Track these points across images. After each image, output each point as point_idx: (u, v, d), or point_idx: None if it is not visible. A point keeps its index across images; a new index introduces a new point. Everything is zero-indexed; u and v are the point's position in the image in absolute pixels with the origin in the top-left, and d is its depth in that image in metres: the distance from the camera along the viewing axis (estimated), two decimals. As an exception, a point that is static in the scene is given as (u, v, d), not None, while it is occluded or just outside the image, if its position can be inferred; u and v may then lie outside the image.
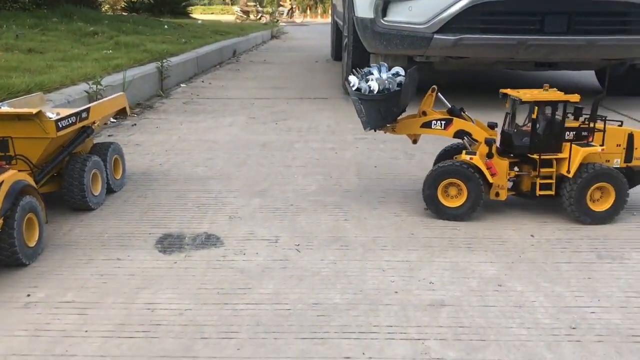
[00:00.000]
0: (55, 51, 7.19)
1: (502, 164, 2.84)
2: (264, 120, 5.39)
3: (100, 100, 3.22)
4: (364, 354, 1.79)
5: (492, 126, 2.98)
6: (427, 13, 5.48)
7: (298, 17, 39.07)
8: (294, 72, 9.18)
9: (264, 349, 1.82)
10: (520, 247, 2.56)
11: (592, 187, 2.75)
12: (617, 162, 2.87)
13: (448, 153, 3.15)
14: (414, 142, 3.15)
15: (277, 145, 4.40)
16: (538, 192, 2.83)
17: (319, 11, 47.58)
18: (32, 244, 2.39)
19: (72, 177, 2.87)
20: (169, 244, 2.59)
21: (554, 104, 2.78)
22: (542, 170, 2.81)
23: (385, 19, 5.72)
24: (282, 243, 2.59)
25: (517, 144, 2.85)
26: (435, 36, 5.44)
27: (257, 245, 2.58)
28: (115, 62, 6.40)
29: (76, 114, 2.86)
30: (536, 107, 2.77)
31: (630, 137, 2.86)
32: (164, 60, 6.90)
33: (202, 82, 8.04)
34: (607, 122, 2.84)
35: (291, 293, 2.15)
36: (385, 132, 3.00)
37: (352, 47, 6.35)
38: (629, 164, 2.89)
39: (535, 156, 2.80)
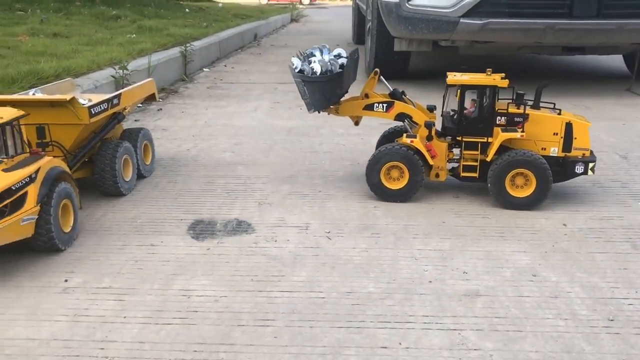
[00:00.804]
0: (80, 35, 7.22)
1: (441, 146, 2.89)
2: (289, 105, 5.38)
3: (130, 87, 3.23)
4: (400, 344, 1.80)
5: (431, 109, 3.03)
6: (453, -3, 5.40)
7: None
8: (316, 56, 9.11)
9: (300, 337, 1.83)
10: (553, 237, 2.53)
11: (512, 173, 2.75)
12: (555, 150, 2.83)
13: (391, 136, 3.18)
14: (356, 123, 3.16)
15: (303, 130, 4.39)
16: (461, 174, 2.90)
17: (338, -7, 47.17)
18: (68, 229, 2.43)
19: (104, 163, 2.90)
20: (201, 230, 2.61)
21: (480, 88, 2.78)
22: (467, 152, 2.86)
23: (410, 3, 5.65)
24: (312, 230, 2.60)
25: (448, 126, 2.90)
26: (462, 20, 5.36)
27: (287, 232, 2.58)
28: (140, 47, 6.41)
29: (108, 100, 2.88)
30: (459, 91, 2.81)
31: (569, 126, 2.80)
32: (188, 45, 6.90)
33: (225, 66, 8.03)
34: (543, 108, 2.84)
35: (324, 281, 2.16)
36: (328, 114, 3.01)
37: (376, 31, 6.29)
38: (567, 154, 2.83)
39: (460, 138, 2.85)
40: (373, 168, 2.87)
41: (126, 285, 2.13)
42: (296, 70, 2.83)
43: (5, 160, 2.21)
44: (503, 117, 2.79)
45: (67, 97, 2.60)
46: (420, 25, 5.62)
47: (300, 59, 2.88)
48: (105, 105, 2.84)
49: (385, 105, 2.93)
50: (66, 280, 2.17)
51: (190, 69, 7.06)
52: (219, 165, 3.52)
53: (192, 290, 2.10)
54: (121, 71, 4.93)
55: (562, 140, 2.81)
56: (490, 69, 2.86)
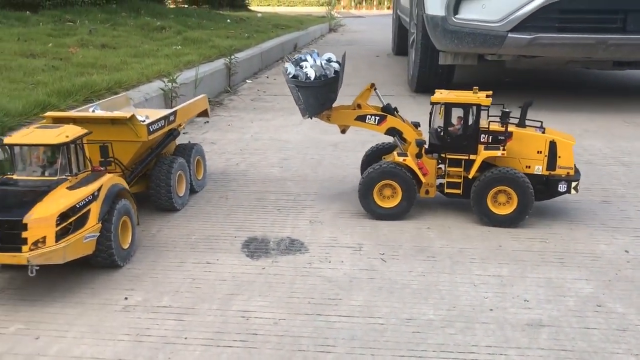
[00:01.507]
0: (127, 47, 7.37)
1: (430, 163, 2.90)
2: (333, 118, 5.37)
3: (185, 103, 3.27)
4: (464, 375, 1.76)
5: (416, 125, 3.04)
6: (501, 11, 5.33)
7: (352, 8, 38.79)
8: (357, 67, 9.11)
9: (361, 364, 1.81)
10: (615, 264, 2.46)
11: (494, 190, 2.75)
12: (539, 168, 2.82)
13: (374, 154, 3.21)
14: (343, 132, 3.14)
15: (349, 145, 4.38)
16: (446, 191, 2.88)
17: (375, 2, 47.21)
18: (126, 246, 2.46)
19: (160, 178, 2.94)
20: (255, 248, 2.62)
21: (464, 106, 2.79)
22: (451, 169, 2.85)
23: (456, 16, 5.60)
24: (366, 251, 2.58)
25: (434, 143, 2.91)
26: (510, 35, 5.29)
27: (341, 252, 2.57)
28: (186, 59, 6.51)
29: (165, 118, 2.92)
30: (442, 108, 2.83)
31: (553, 144, 2.80)
32: (232, 57, 6.98)
33: (267, 77, 8.09)
34: (527, 126, 2.86)
35: (383, 306, 2.13)
36: (321, 119, 2.99)
37: (421, 44, 6.26)
38: (552, 172, 2.82)
39: (445, 155, 2.88)
40: (366, 187, 2.89)
41: (185, 305, 2.15)
42: (290, 76, 2.82)
43: (69, 178, 2.26)
44: (487, 135, 2.81)
45: (127, 114, 2.65)
46: (467, 39, 5.57)
47: (292, 64, 2.88)
48: (162, 123, 2.89)
49: (377, 118, 2.95)
50: (126, 298, 2.19)
51: (234, 81, 7.14)
52: (268, 181, 3.54)
53: (251, 312, 2.10)
54: (170, 84, 5.01)
55: (546, 159, 2.82)
56: (477, 87, 2.89)
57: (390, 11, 13.28)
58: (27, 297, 2.21)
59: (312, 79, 2.77)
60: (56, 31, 8.34)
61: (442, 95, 2.87)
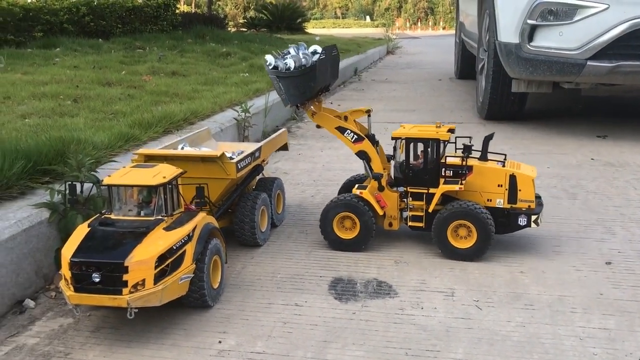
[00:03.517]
0: (196, 74, 7.53)
1: (392, 196, 2.96)
2: (403, 148, 5.31)
3: (268, 139, 3.28)
4: None
5: (389, 158, 3.13)
6: (580, 38, 5.16)
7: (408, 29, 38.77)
8: (420, 92, 9.05)
9: None
10: None
11: (453, 224, 2.79)
12: (500, 202, 2.84)
13: (350, 184, 3.28)
14: (318, 126, 3.14)
15: (424, 178, 4.29)
16: (409, 223, 2.95)
17: (430, 23, 47.07)
18: (216, 285, 2.46)
19: (244, 214, 2.94)
20: (342, 290, 2.57)
21: (424, 141, 2.85)
22: (413, 203, 2.93)
23: (531, 44, 5.46)
24: (459, 297, 2.49)
25: (397, 176, 2.98)
26: (589, 63, 5.12)
27: (432, 298, 2.49)
28: (255, 87, 6.59)
29: (251, 154, 2.93)
30: (401, 142, 2.92)
31: (512, 178, 2.82)
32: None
33: (331, 103, 8.10)
34: (489, 159, 2.91)
35: None
36: (306, 112, 3.03)
37: (492, 71, 6.13)
38: (513, 205, 2.82)
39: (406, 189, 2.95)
40: (325, 218, 2.96)
41: (279, 351, 2.11)
42: (270, 67, 2.89)
43: (165, 218, 2.28)
44: (448, 169, 2.83)
45: (218, 153, 2.67)
46: (542, 67, 5.42)
47: (275, 56, 2.93)
48: (249, 159, 2.89)
49: (355, 136, 3.01)
50: (220, 342, 2.18)
51: (300, 107, 7.18)
52: (347, 216, 3.49)
53: (347, 362, 2.04)
54: (243, 113, 5.06)
55: (506, 192, 2.82)
56: (440, 122, 2.96)
57: (447, 32, 13.16)
58: (123, 337, 2.22)
59: (291, 69, 2.84)
60: (127, 58, 8.63)
61: (403, 130, 2.96)
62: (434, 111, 7.22)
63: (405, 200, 3.01)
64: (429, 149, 2.89)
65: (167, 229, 2.24)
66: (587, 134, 5.68)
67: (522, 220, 2.84)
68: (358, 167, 4.60)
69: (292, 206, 3.67)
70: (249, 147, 3.46)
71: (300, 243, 3.10)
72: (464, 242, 2.82)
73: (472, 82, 9.60)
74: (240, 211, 2.95)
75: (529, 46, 5.46)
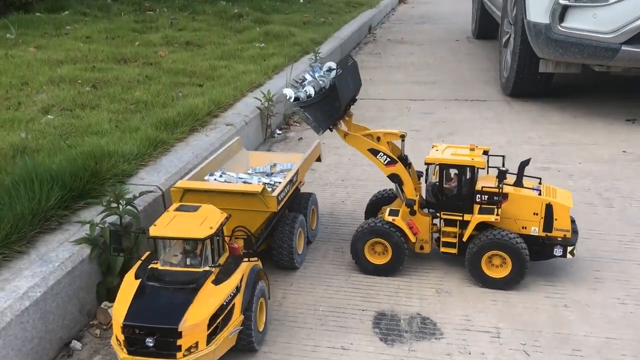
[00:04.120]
0: (210, 44, 7.34)
1: (424, 220, 2.92)
2: (428, 134, 5.22)
3: (303, 158, 3.18)
4: None
5: (419, 175, 3.09)
6: (615, 21, 4.97)
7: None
8: (439, 56, 8.81)
9: None
10: None
11: (487, 254, 2.77)
12: (535, 230, 2.81)
13: (378, 201, 3.27)
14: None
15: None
16: (441, 249, 2.93)
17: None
18: (262, 327, 2.45)
19: (282, 239, 2.91)
20: (387, 328, 2.56)
21: (459, 168, 2.79)
22: (446, 229, 2.89)
23: (562, 25, 5.26)
24: (505, 338, 2.48)
25: (429, 200, 2.93)
26: (624, 47, 4.94)
27: (479, 339, 2.48)
28: (273, 62, 6.41)
29: (290, 182, 2.87)
30: (436, 168, 2.87)
31: (549, 207, 2.78)
32: (317, 55, 6.84)
33: (348, 72, 7.92)
34: (523, 183, 2.85)
35: (538, 421, 2.05)
36: (338, 133, 2.97)
37: (519, 49, 5.94)
38: (548, 234, 2.80)
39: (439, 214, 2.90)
40: (355, 247, 2.94)
41: (332, 409, 2.12)
42: (291, 101, 2.82)
43: (213, 269, 2.25)
44: (483, 196, 2.80)
45: (259, 188, 2.61)
46: (573, 50, 5.24)
47: (292, 88, 2.86)
48: (288, 188, 2.84)
49: (388, 159, 2.95)
50: (272, 396, 2.19)
51: (319, 81, 7.03)
52: (381, 228, 3.45)
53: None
54: (266, 102, 4.95)
55: (542, 221, 2.80)
56: (475, 144, 2.88)
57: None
58: (174, 388, 2.23)
59: (312, 95, 2.78)
60: (139, 24, 8.42)
61: (437, 152, 2.90)
62: (456, 84, 7.05)
63: (437, 224, 2.97)
64: (464, 175, 2.82)
65: (216, 281, 2.21)
66: (616, 116, 5.55)
67: (557, 251, 2.81)
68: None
69: (323, 215, 3.63)
70: (281, 159, 3.41)
71: (337, 264, 3.08)
72: (499, 272, 2.80)
73: (491, 43, 9.35)
74: (279, 236, 2.92)
75: (559, 27, 5.26)
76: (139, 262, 2.33)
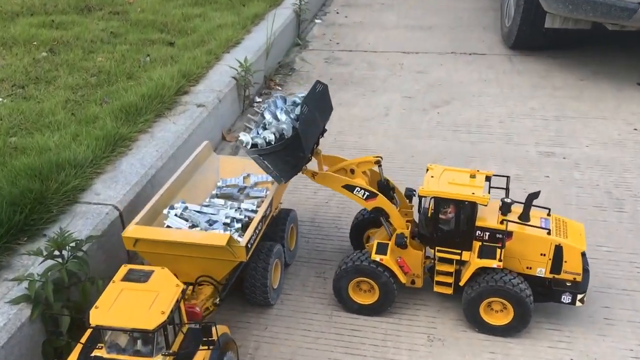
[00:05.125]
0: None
1: (416, 254, 2.60)
2: (422, 103, 4.77)
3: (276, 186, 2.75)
4: None
5: (409, 196, 2.75)
6: (634, -21, 4.42)
7: None
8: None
9: None
10: None
11: (486, 301, 2.47)
12: (542, 271, 2.50)
13: (364, 221, 2.90)
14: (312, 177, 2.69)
15: (452, 160, 3.83)
16: (435, 289, 2.64)
17: None
18: (230, 401, 2.16)
19: (255, 277, 2.58)
20: (371, 393, 2.29)
21: (457, 203, 2.42)
22: (441, 267, 2.58)
23: (575, -22, 4.70)
24: (503, 408, 2.21)
25: (422, 233, 2.58)
26: (643, 8, 4.43)
27: (473, 407, 2.21)
28: (252, 11, 5.80)
29: (262, 219, 2.48)
30: (431, 202, 2.50)
31: (558, 249, 2.45)
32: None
33: (337, 13, 7.31)
34: (530, 214, 2.50)
35: None
36: (305, 174, 2.62)
37: (524, 1, 5.36)
38: (556, 276, 2.50)
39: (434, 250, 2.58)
40: (340, 281, 2.62)
41: None
42: (248, 147, 2.42)
43: (167, 356, 1.91)
44: (484, 232, 2.46)
45: (224, 241, 2.23)
46: (585, 7, 4.72)
47: (248, 131, 2.50)
48: (259, 228, 2.46)
49: (367, 193, 2.58)
50: None
51: (303, 26, 6.44)
52: (368, 242, 3.11)
53: None
54: (243, 72, 4.45)
55: (550, 262, 2.48)
56: (478, 169, 2.53)
57: None
58: None
59: (273, 142, 2.40)
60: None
61: (432, 180, 2.51)
62: (453, 30, 6.49)
63: (430, 257, 2.65)
64: (463, 211, 2.45)
65: (169, 379, 1.88)
66: (626, 79, 5.10)
67: (565, 299, 2.49)
68: (377, 142, 4.12)
69: (304, 223, 3.28)
70: (256, 167, 3.00)
71: (318, 297, 2.77)
72: (499, 318, 2.51)
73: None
74: (251, 273, 2.58)
75: (572, -19, 4.70)
76: (80, 346, 1.98)
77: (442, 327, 2.59)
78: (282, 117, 2.49)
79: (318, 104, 2.59)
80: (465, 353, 2.46)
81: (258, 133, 2.45)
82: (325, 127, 2.74)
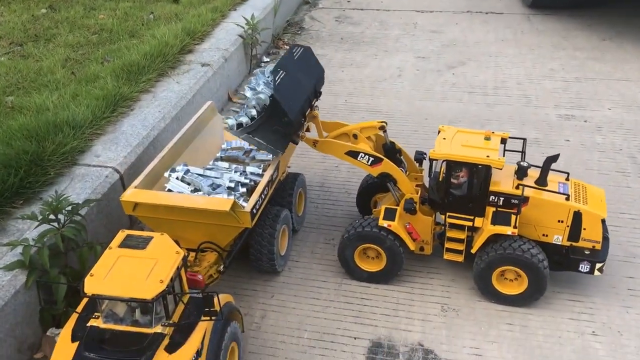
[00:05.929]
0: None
1: (426, 220, 2.45)
2: (436, 64, 4.57)
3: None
4: None
5: (419, 159, 2.61)
6: None
7: None
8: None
9: None
10: None
11: (499, 269, 2.33)
12: (559, 238, 2.35)
13: (369, 188, 2.76)
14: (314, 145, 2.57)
15: (467, 123, 3.68)
16: (445, 256, 2.48)
17: None
18: (234, 373, 2.06)
19: (261, 244, 2.46)
20: (382, 365, 2.18)
21: (470, 166, 2.27)
22: (451, 233, 2.42)
23: None
24: (521, 382, 2.10)
25: (432, 198, 2.42)
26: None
27: (489, 381, 2.11)
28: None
29: (268, 183, 2.35)
30: (443, 165, 2.34)
31: (577, 216, 2.29)
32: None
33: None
34: (548, 179, 2.35)
35: None
36: (306, 143, 2.53)
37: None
38: (573, 244, 2.34)
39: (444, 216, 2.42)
40: (345, 251, 2.50)
41: None
42: (235, 129, 2.32)
43: (167, 328, 1.80)
44: (498, 197, 2.31)
45: (228, 205, 2.10)
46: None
47: (232, 116, 2.37)
48: (265, 193, 2.32)
49: (371, 159, 2.45)
50: None
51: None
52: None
53: None
54: (250, 30, 4.26)
55: (567, 229, 2.32)
56: (490, 132, 2.35)
57: None
58: None
59: (256, 116, 2.31)
60: None
61: (444, 142, 2.34)
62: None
63: (440, 224, 2.52)
64: (476, 174, 2.30)
65: (170, 347, 1.78)
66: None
67: (584, 268, 2.36)
68: (389, 105, 3.96)
69: (313, 187, 3.15)
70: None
71: (327, 264, 2.65)
72: (513, 287, 2.38)
73: None
74: (257, 239, 2.46)
75: None
76: (76, 315, 1.88)
77: (456, 296, 2.47)
78: (260, 88, 2.37)
79: (299, 67, 2.46)
80: (481, 324, 2.34)
81: (245, 114, 2.33)
82: (320, 90, 2.60)
